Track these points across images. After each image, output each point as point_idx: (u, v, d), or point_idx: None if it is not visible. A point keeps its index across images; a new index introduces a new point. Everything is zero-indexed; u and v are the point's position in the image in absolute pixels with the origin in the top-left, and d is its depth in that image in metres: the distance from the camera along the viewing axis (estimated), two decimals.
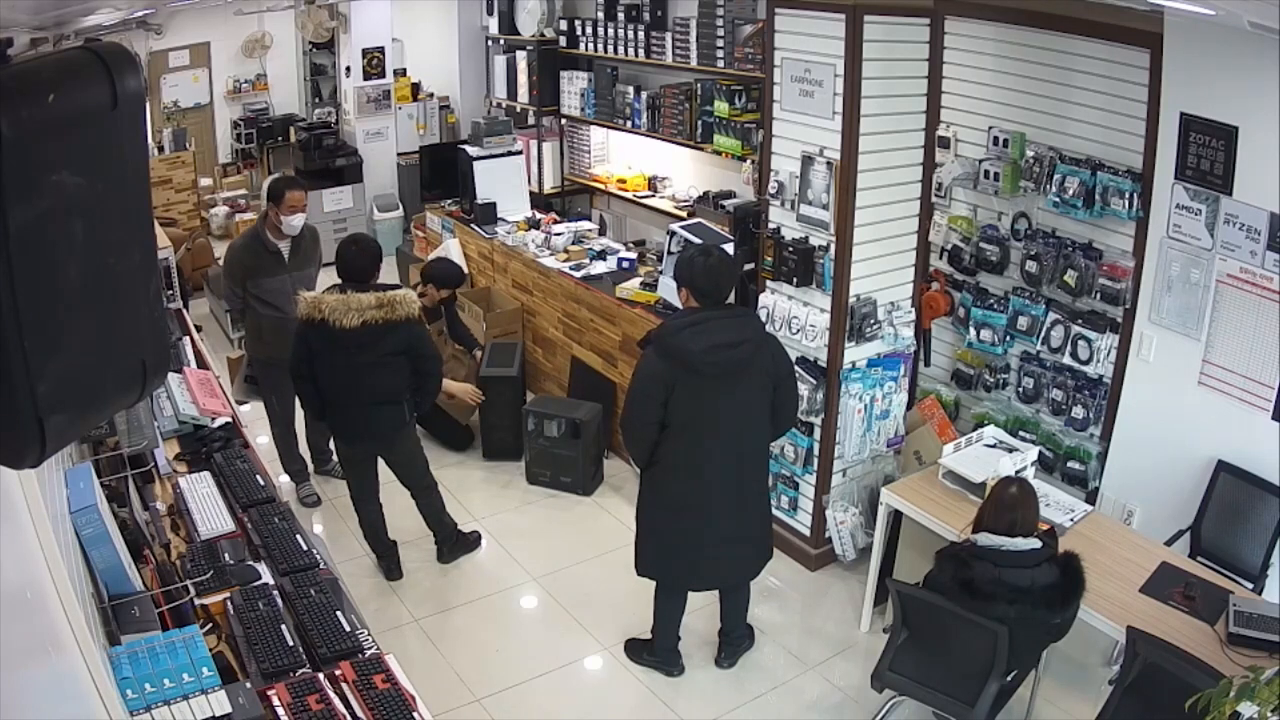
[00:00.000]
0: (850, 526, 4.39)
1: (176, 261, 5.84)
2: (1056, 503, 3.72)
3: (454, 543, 4.58)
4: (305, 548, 3.15)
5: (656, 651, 3.91)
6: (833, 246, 4.09)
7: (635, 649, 4.00)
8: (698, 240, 5.03)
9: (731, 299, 3.71)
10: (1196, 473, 3.68)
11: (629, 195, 7.03)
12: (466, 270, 6.53)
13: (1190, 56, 3.41)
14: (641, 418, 3.45)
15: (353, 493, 4.42)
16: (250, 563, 3.06)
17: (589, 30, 7.01)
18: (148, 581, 2.79)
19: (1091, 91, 3.77)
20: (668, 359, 3.35)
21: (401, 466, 4.36)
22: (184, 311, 5.39)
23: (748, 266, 4.69)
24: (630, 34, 6.60)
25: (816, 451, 4.36)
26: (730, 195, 6.14)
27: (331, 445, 5.02)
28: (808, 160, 4.07)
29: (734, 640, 3.98)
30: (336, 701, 2.43)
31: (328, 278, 4.28)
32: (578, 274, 5.65)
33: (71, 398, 1.12)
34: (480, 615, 4.27)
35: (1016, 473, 3.54)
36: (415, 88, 9.06)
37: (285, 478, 5.04)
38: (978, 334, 4.30)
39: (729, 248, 4.85)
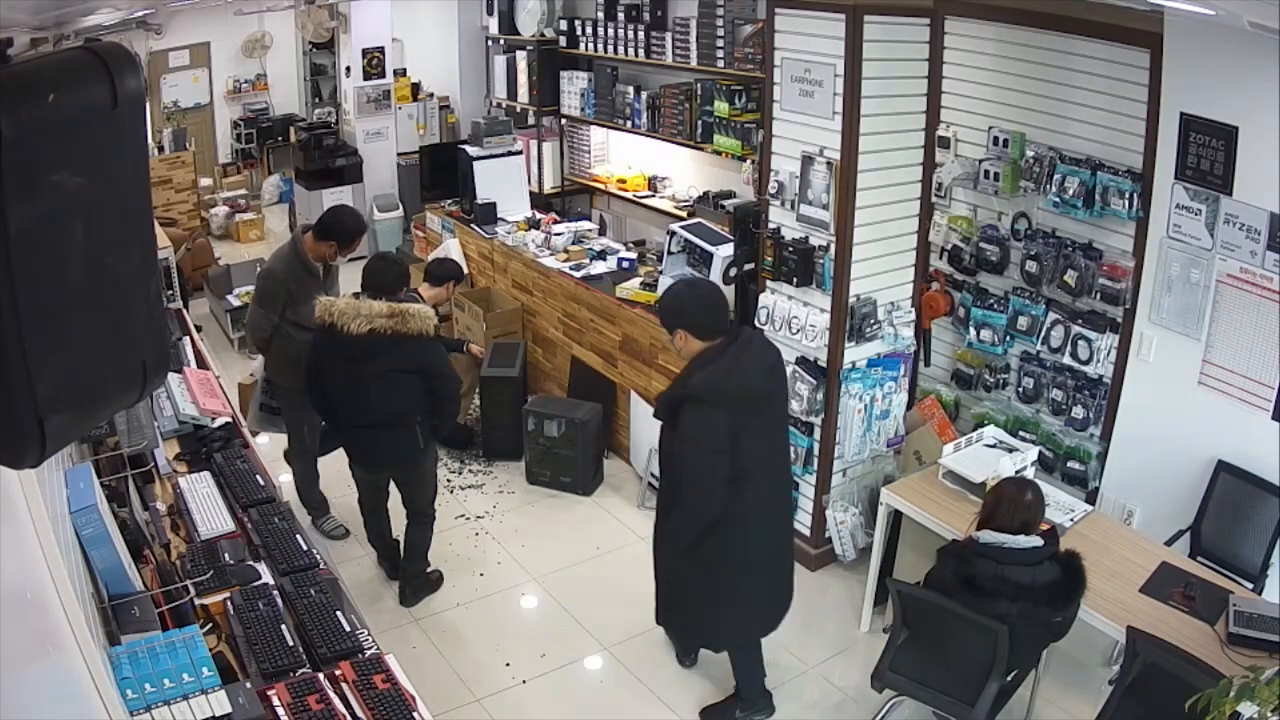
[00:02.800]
0: (850, 526, 4.39)
1: (176, 261, 5.84)
2: (1056, 503, 3.72)
3: (419, 584, 4.33)
4: (305, 548, 3.15)
5: (752, 700, 3.64)
6: (833, 246, 4.09)
7: (721, 713, 3.64)
8: (699, 240, 5.04)
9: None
10: (1196, 473, 3.68)
11: (629, 195, 7.02)
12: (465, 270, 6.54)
13: (1190, 56, 3.41)
14: (715, 479, 3.06)
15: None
16: (250, 563, 3.06)
17: (589, 30, 7.01)
18: (148, 581, 2.79)
19: (1091, 91, 3.77)
20: (726, 404, 3.03)
21: (410, 491, 4.21)
22: (184, 311, 5.39)
23: (748, 266, 4.68)
24: (630, 34, 6.60)
25: (816, 451, 4.36)
26: (730, 195, 6.14)
27: (326, 493, 4.87)
28: (808, 160, 4.07)
29: None
30: (336, 701, 2.43)
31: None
32: (578, 274, 5.64)
33: (71, 398, 1.12)
34: (480, 615, 4.27)
35: (1017, 472, 3.55)
36: (415, 88, 9.05)
37: (286, 477, 5.00)
38: (978, 334, 4.30)
39: (729, 247, 4.86)
